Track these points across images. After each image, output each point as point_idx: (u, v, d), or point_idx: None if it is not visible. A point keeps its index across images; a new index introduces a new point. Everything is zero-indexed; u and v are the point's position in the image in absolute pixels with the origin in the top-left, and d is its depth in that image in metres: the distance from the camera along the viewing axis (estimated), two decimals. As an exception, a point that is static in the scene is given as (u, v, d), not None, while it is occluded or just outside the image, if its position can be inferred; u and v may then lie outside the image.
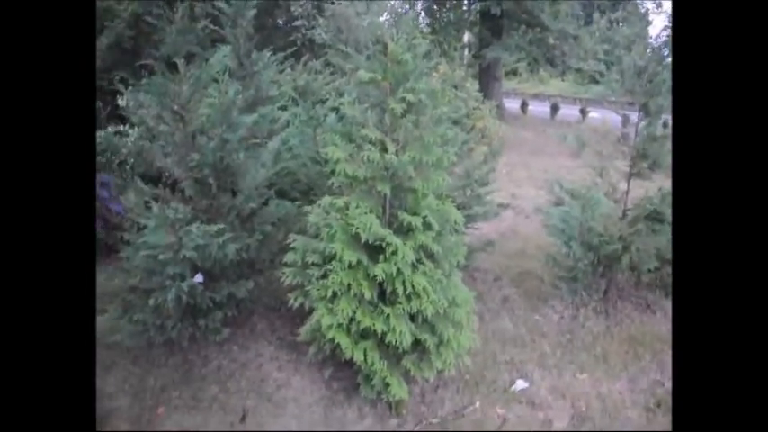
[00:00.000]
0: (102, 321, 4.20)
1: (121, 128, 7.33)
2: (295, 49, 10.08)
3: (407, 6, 19.46)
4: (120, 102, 7.12)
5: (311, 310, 3.31)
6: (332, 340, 3.10)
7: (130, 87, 5.14)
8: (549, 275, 4.91)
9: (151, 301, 3.47)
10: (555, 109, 20.47)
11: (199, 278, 3.66)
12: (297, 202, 4.30)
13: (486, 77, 19.59)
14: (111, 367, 3.82)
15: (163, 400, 3.46)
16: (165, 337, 3.73)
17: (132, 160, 6.10)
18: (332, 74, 8.44)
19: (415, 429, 3.22)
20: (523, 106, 21.76)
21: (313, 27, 12.26)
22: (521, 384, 3.63)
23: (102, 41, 10.44)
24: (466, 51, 22.92)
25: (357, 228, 3.03)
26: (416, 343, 3.21)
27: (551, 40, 18.98)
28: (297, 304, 3.38)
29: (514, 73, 33.52)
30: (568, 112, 20.64)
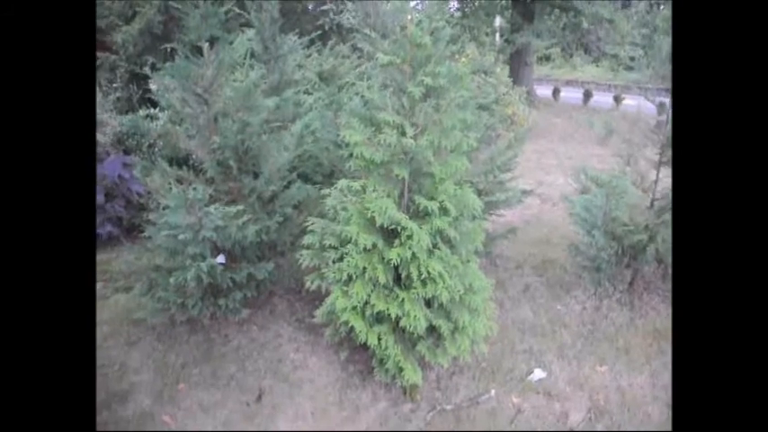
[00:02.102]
0: (128, 299, 4.36)
1: (151, 111, 7.50)
2: (322, 33, 10.06)
3: (437, -10, 19.14)
4: (152, 86, 7.24)
5: (328, 293, 3.33)
6: (347, 323, 3.11)
7: (159, 71, 5.23)
8: (573, 265, 4.80)
9: (172, 280, 3.54)
10: (588, 96, 19.91)
11: (221, 258, 3.72)
12: (319, 186, 4.32)
13: (517, 63, 19.17)
14: (137, 343, 3.95)
15: (183, 377, 3.55)
16: (187, 315, 3.82)
17: (160, 143, 6.24)
18: (359, 58, 8.40)
19: (429, 415, 3.21)
20: (555, 93, 21.24)
21: (341, 11, 12.22)
22: (538, 374, 3.58)
23: (134, 27, 10.65)
24: (497, 36, 22.48)
25: (373, 211, 3.01)
26: (431, 328, 3.20)
27: (585, 25, 18.42)
28: (314, 286, 3.40)
29: (548, 59, 32.69)
30: (602, 99, 20.04)
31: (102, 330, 4.12)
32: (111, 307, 4.45)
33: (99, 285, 4.99)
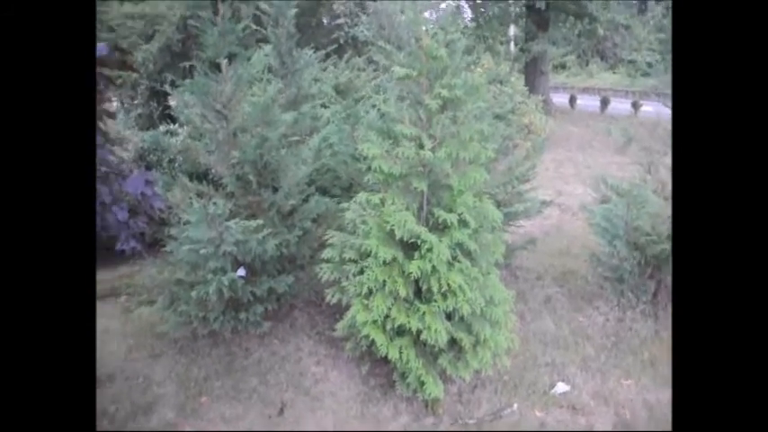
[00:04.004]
0: (151, 312, 4.42)
1: (171, 127, 7.64)
2: (338, 46, 10.17)
3: (451, 1, 19.23)
4: (172, 102, 7.38)
5: (348, 306, 3.34)
6: (367, 337, 3.10)
7: (178, 88, 5.35)
8: (594, 275, 4.74)
9: (194, 294, 3.59)
10: (605, 103, 19.71)
11: (241, 272, 3.75)
12: (337, 199, 4.34)
13: (533, 71, 19.08)
14: (160, 356, 4.00)
15: (206, 390, 3.58)
16: (209, 328, 3.86)
17: (180, 158, 6.35)
18: (375, 71, 8.47)
19: (451, 429, 3.18)
20: (572, 100, 21.09)
21: (356, 24, 12.35)
22: (561, 387, 3.52)
23: (154, 45, 10.91)
24: (511, 45, 22.46)
25: (392, 225, 3.02)
26: (453, 342, 3.18)
27: (601, 32, 18.26)
28: (334, 300, 3.41)
29: (563, 66, 32.52)
30: (620, 105, 19.84)
31: (127, 343, 4.18)
32: (135, 320, 4.52)
33: (122, 299, 5.08)
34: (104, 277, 5.64)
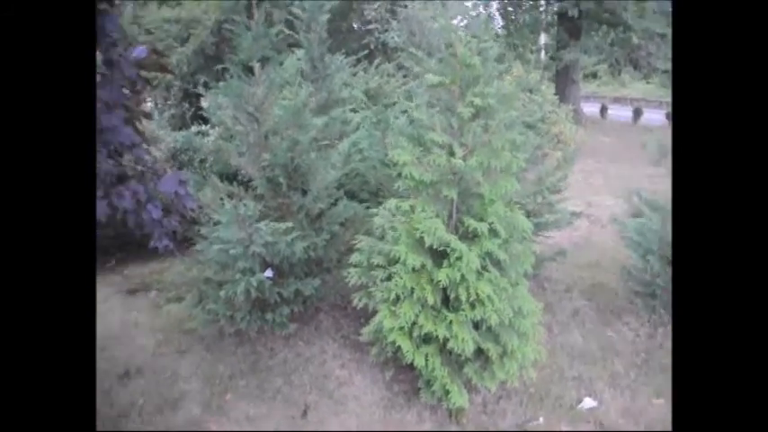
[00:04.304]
0: (179, 309, 4.51)
1: (202, 128, 7.80)
2: (368, 52, 10.24)
3: (481, 9, 19.16)
4: (204, 103, 7.52)
5: (375, 312, 3.34)
6: (393, 343, 3.10)
7: (211, 90, 5.45)
8: (624, 289, 4.63)
9: (222, 293, 3.64)
10: (637, 113, 19.38)
11: (269, 273, 3.79)
12: (365, 204, 4.36)
13: (563, 80, 18.87)
14: (187, 352, 4.06)
15: (231, 388, 3.62)
16: (235, 327, 3.91)
17: (211, 158, 6.46)
18: (404, 77, 8.49)
19: (475, 439, 3.15)
20: (603, 110, 20.78)
21: (386, 30, 12.41)
22: (589, 403, 3.45)
23: (188, 48, 11.17)
24: (542, 53, 22.24)
25: (422, 232, 3.01)
26: (479, 351, 3.14)
27: (635, 40, 17.92)
28: (361, 305, 3.41)
29: (594, 75, 32.08)
30: (653, 116, 19.45)
31: (155, 337, 4.27)
32: (163, 316, 4.61)
33: (152, 294, 5.19)
34: (135, 272, 5.78)
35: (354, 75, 7.53)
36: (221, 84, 4.27)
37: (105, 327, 4.46)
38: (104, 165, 4.70)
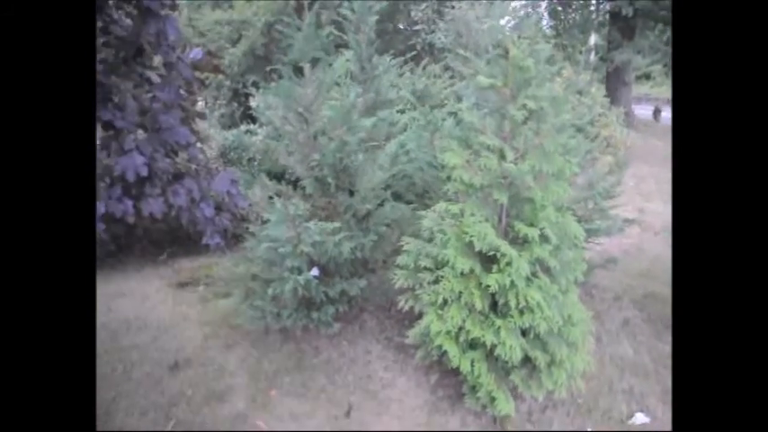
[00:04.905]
0: (227, 304, 4.62)
1: (251, 127, 7.99)
2: (415, 53, 10.21)
3: (530, 9, 18.77)
4: (253, 103, 7.70)
5: (420, 314, 3.32)
6: (439, 347, 3.07)
7: (261, 90, 5.55)
8: (679, 301, 4.43)
9: (270, 290, 3.70)
10: (693, 116, 18.48)
11: (315, 272, 3.84)
12: (412, 205, 4.34)
13: (614, 82, 18.23)
14: (233, 347, 4.16)
15: (275, 384, 3.68)
16: (281, 324, 3.97)
17: (259, 157, 6.61)
18: (451, 78, 8.42)
19: (520, 449, 3.09)
20: (656, 113, 19.97)
21: (433, 31, 12.36)
22: (641, 418, 3.32)
23: (239, 49, 11.46)
24: (592, 54, 21.61)
25: (471, 236, 2.97)
26: (526, 359, 3.08)
27: (693, 40, 17.09)
28: (407, 307, 3.40)
29: (647, 77, 30.89)
30: (709, 119, 18.51)
31: (203, 331, 4.39)
32: (211, 310, 4.74)
33: (201, 288, 5.35)
34: (185, 266, 5.97)
35: (401, 76, 7.53)
36: (272, 84, 4.36)
37: (156, 318, 4.64)
38: (161, 163, 4.89)
